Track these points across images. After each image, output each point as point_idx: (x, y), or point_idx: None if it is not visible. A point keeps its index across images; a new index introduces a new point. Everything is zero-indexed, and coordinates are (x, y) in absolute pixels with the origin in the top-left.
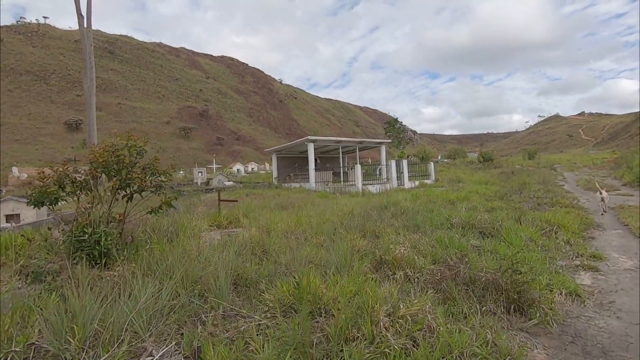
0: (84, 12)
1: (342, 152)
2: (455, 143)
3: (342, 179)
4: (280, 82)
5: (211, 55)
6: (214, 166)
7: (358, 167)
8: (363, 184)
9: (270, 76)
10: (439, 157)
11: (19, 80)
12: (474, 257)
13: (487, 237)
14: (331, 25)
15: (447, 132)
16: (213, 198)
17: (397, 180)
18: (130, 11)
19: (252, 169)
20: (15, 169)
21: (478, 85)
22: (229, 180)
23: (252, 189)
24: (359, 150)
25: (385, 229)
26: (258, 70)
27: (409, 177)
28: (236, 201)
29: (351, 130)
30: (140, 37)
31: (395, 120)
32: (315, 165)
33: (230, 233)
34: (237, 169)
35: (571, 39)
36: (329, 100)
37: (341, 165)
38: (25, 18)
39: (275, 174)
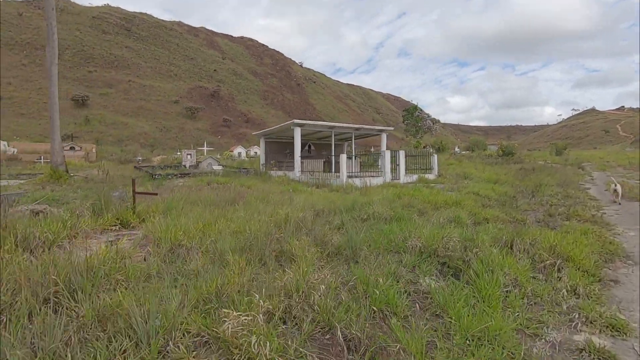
0: None
1: (339, 139)
2: (481, 134)
3: (333, 169)
4: (301, 65)
5: (230, 36)
6: (205, 149)
7: (343, 157)
8: (354, 176)
9: (290, 59)
10: (456, 149)
11: (33, 55)
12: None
13: (449, 276)
14: (358, 10)
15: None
16: (190, 184)
17: (392, 173)
18: None
19: (256, 152)
20: (2, 143)
21: (509, 75)
22: (218, 164)
23: (231, 176)
24: (355, 138)
25: (305, 251)
26: (278, 52)
27: (406, 170)
28: (155, 194)
29: (371, 117)
30: (168, 17)
31: (415, 107)
32: (309, 152)
33: (116, 238)
34: (239, 152)
35: (614, 29)
36: (351, 85)
37: (332, 154)
38: None
39: (262, 160)
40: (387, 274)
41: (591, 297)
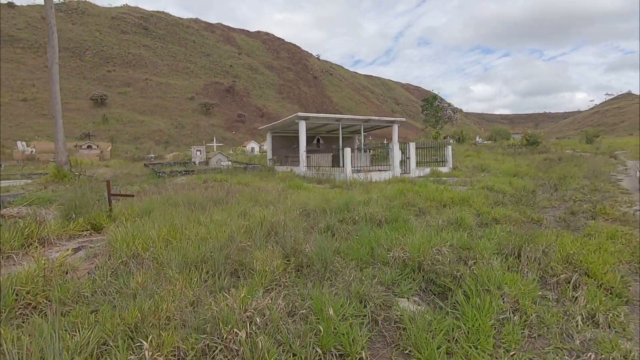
0: None
1: (349, 132)
2: (506, 123)
3: (340, 163)
4: (318, 58)
5: (247, 31)
6: (215, 144)
7: (347, 150)
8: (362, 170)
9: (306, 52)
10: (477, 139)
11: None
12: None
13: (434, 296)
14: (376, 0)
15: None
16: (187, 182)
17: (401, 167)
18: None
19: None
20: (20, 143)
21: (536, 61)
22: (228, 160)
23: (234, 172)
24: (365, 130)
25: (266, 265)
26: (294, 45)
27: (417, 163)
28: (132, 196)
29: (390, 108)
30: (186, 15)
31: (434, 97)
32: (318, 145)
33: (81, 245)
34: (252, 148)
35: None
36: (369, 77)
37: (340, 147)
38: None
39: (269, 155)
40: (354, 296)
41: (614, 327)
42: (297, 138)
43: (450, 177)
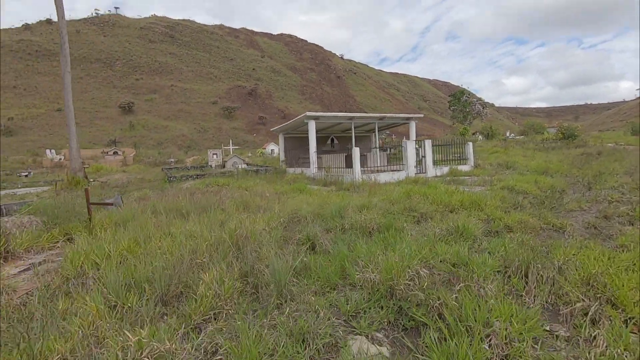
0: None
1: (365, 131)
2: (543, 117)
3: (355, 163)
4: (341, 58)
5: (270, 34)
6: (231, 147)
7: (356, 151)
8: (377, 171)
9: (330, 52)
10: (507, 134)
11: (89, 68)
12: None
13: (407, 331)
14: None
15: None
16: (191, 187)
17: (417, 167)
18: None
19: None
20: (49, 151)
21: (575, 50)
22: (244, 163)
23: (241, 176)
24: (379, 129)
25: (209, 289)
26: (317, 46)
27: (434, 162)
28: (111, 204)
29: (417, 105)
30: (213, 21)
31: (461, 92)
32: (332, 146)
33: (44, 260)
34: (271, 150)
35: None
36: (395, 74)
37: (353, 147)
38: (99, 10)
39: (282, 157)
40: (297, 333)
41: None
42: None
43: (470, 177)
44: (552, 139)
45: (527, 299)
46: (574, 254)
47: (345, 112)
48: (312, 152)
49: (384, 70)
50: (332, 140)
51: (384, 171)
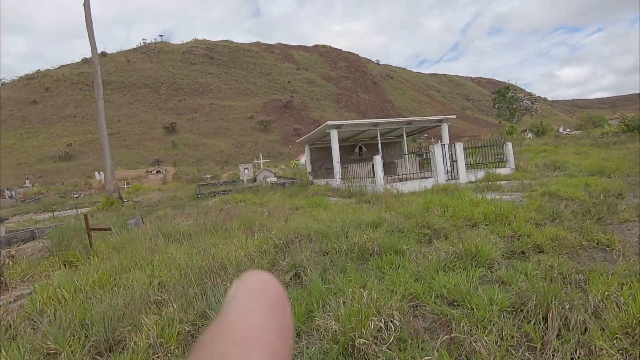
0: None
1: (394, 137)
2: (606, 108)
3: (381, 173)
4: (377, 63)
5: (305, 47)
6: (261, 161)
7: (377, 159)
8: (405, 179)
9: (365, 58)
10: (561, 129)
11: (137, 93)
12: None
13: None
14: None
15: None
16: (212, 205)
17: (448, 172)
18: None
19: None
20: (97, 173)
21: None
22: (274, 176)
23: (264, 190)
24: (408, 134)
25: (143, 340)
26: (352, 54)
27: (468, 166)
28: (109, 229)
29: (459, 105)
30: (250, 39)
31: (507, 88)
32: (361, 154)
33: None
34: (305, 161)
35: None
36: (434, 75)
37: (380, 154)
38: (146, 39)
39: (309, 168)
40: None
41: None
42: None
43: (508, 181)
44: (613, 133)
45: (542, 355)
46: (617, 287)
47: (384, 117)
48: (335, 162)
49: (423, 72)
50: (360, 148)
51: (412, 179)
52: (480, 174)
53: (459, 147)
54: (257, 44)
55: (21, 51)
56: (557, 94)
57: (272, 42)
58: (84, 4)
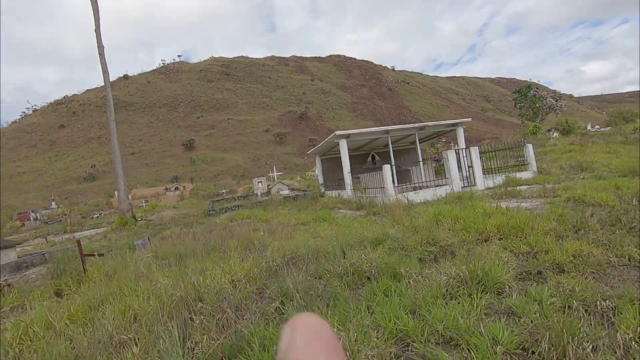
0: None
1: (407, 143)
2: (637, 102)
3: (396, 181)
4: (393, 69)
5: (319, 57)
6: (275, 174)
7: (386, 168)
8: (419, 187)
9: (380, 66)
10: (589, 126)
11: (157, 113)
12: None
13: None
14: None
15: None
16: (220, 221)
17: (464, 179)
18: (264, 33)
19: None
20: (117, 193)
21: None
22: (287, 188)
23: (279, 203)
24: (421, 139)
25: None
26: (366, 62)
27: (486, 171)
28: (102, 255)
29: (479, 107)
30: (271, 53)
31: (528, 87)
32: (374, 163)
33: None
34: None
35: None
36: (452, 78)
37: (392, 163)
38: (165, 60)
39: (321, 180)
40: None
41: None
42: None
43: (529, 186)
44: None
45: None
46: None
47: (401, 123)
48: (345, 172)
49: (440, 75)
50: (373, 157)
51: (425, 187)
52: (499, 179)
53: (475, 151)
54: (272, 57)
55: (53, 78)
56: (583, 90)
57: (286, 55)
58: (95, 30)
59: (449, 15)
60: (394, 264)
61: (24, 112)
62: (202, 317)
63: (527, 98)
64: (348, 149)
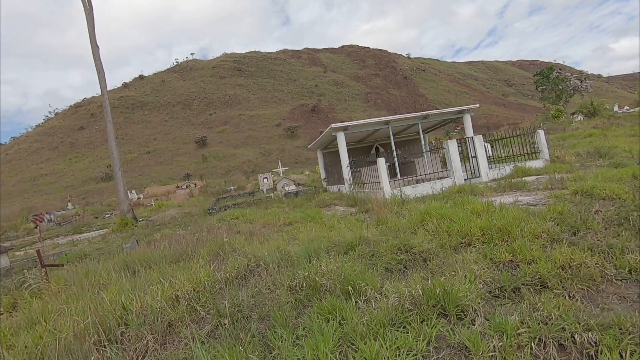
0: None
1: (411, 133)
2: None
3: (397, 174)
4: (408, 57)
5: (332, 49)
6: (280, 169)
7: (380, 161)
8: (422, 180)
9: (394, 53)
10: (616, 108)
11: (172, 111)
12: None
13: None
14: None
15: None
16: (211, 223)
17: (468, 171)
18: (278, 27)
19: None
20: (129, 192)
21: None
22: (293, 184)
23: (271, 202)
24: (424, 129)
25: None
26: (380, 50)
27: (493, 160)
28: (62, 265)
29: (500, 91)
30: (284, 47)
31: (550, 69)
32: (378, 155)
33: None
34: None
35: None
36: (470, 63)
37: (394, 155)
38: (178, 58)
39: (323, 174)
40: None
41: None
42: (352, 151)
43: (538, 176)
44: None
45: None
46: None
47: (415, 112)
48: (344, 167)
49: (458, 61)
50: (377, 149)
51: (426, 180)
52: (508, 167)
53: (478, 140)
54: (284, 51)
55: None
56: (613, 69)
57: (299, 47)
58: (89, 30)
59: None
60: (352, 277)
61: (47, 116)
62: (116, 346)
63: (549, 80)
64: (349, 142)
